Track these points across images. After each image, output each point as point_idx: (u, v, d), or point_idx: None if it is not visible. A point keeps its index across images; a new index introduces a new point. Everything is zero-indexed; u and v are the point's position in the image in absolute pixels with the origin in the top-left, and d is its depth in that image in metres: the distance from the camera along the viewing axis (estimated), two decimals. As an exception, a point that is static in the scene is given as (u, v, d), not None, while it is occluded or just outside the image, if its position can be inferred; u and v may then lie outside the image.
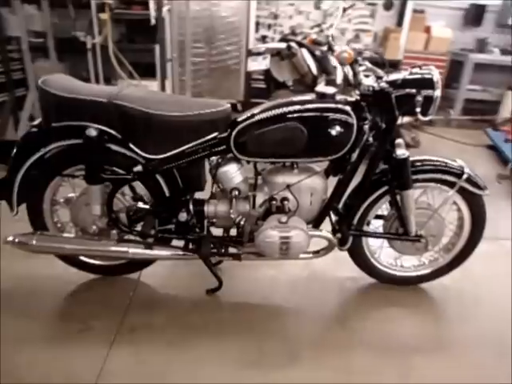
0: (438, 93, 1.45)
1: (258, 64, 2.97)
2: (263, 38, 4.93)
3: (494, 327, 1.70)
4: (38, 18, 3.06)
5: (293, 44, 2.93)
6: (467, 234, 1.76)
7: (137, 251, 1.58)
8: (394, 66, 4.91)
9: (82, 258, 1.77)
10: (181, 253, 1.62)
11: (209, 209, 1.61)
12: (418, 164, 1.63)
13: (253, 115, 1.49)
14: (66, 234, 1.68)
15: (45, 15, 3.02)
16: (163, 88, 3.18)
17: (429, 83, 1.46)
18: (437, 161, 1.65)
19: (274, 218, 1.49)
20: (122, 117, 1.42)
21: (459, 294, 1.89)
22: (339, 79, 3.35)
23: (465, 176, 1.61)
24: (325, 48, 1.72)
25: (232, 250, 1.67)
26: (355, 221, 1.71)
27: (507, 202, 2.89)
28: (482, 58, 4.82)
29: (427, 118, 1.49)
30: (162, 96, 1.52)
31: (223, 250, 1.64)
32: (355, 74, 1.48)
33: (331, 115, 1.45)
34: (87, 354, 1.47)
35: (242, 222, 1.56)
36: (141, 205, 1.63)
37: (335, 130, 1.45)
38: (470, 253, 1.80)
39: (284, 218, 1.46)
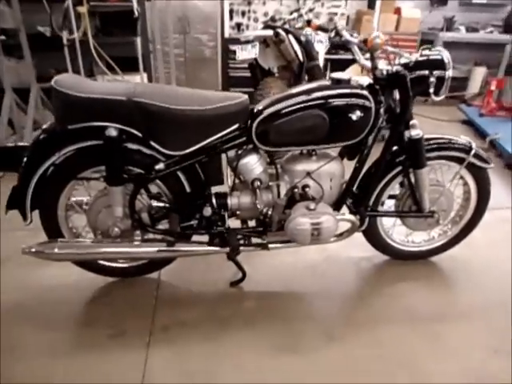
0: (449, 73, 1.50)
1: (248, 53, 2.94)
2: (238, 26, 4.87)
3: (506, 291, 1.81)
4: (8, 15, 2.88)
5: (280, 31, 2.92)
6: (473, 206, 1.86)
7: (163, 250, 1.56)
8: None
9: (101, 261, 1.73)
10: (207, 248, 1.62)
11: (232, 201, 1.61)
12: (429, 142, 1.69)
13: (273, 105, 1.49)
14: (85, 239, 1.63)
15: (15, 11, 2.85)
16: (150, 82, 3.09)
17: (440, 64, 1.51)
18: (445, 138, 1.72)
19: (301, 206, 1.52)
20: (142, 114, 1.38)
21: (467, 263, 1.99)
22: (321, 64, 3.40)
23: (473, 152, 1.69)
24: (332, 34, 1.73)
25: (255, 240, 1.69)
26: (371, 202, 1.76)
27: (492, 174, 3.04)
28: (451, 36, 4.99)
29: (439, 98, 1.54)
30: (179, 91, 1.48)
31: (249, 241, 1.64)
32: (373, 59, 1.50)
33: (351, 100, 1.48)
34: (125, 358, 1.45)
35: (269, 212, 1.57)
36: (163, 203, 1.61)
37: (355, 115, 1.49)
38: (476, 224, 1.90)
39: (312, 205, 1.48)
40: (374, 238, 1.90)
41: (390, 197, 1.86)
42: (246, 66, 4.90)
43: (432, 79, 1.50)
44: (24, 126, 3.13)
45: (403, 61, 1.53)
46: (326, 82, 1.57)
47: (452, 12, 5.32)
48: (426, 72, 1.50)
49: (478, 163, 1.72)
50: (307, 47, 3.18)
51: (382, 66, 1.53)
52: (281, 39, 2.92)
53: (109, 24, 3.28)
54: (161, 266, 1.81)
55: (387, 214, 1.80)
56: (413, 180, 1.72)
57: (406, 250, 1.98)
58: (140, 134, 1.42)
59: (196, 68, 4.86)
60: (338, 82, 1.55)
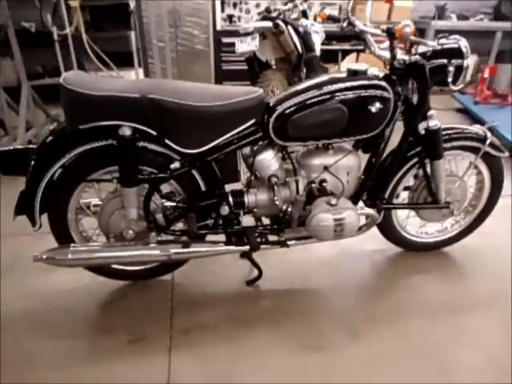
0: (467, 62, 1.48)
1: (248, 45, 2.87)
2: (230, 18, 4.78)
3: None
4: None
5: (280, 22, 2.86)
6: (487, 195, 1.86)
7: (180, 251, 1.51)
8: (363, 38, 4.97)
9: (113, 265, 1.67)
10: (224, 248, 1.57)
11: (249, 199, 1.57)
12: (445, 133, 1.67)
13: (290, 98, 1.45)
14: (97, 243, 1.57)
15: (3, 7, 2.72)
16: (147, 77, 3.00)
17: (458, 53, 1.48)
18: (460, 128, 1.70)
19: (321, 201, 1.48)
20: (158, 111, 1.32)
21: (479, 252, 2.00)
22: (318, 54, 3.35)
23: (488, 141, 1.68)
24: (345, 24, 1.69)
25: (272, 237, 1.65)
26: (386, 194, 1.74)
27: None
28: (443, 25, 4.99)
29: (458, 88, 1.52)
30: (192, 86, 1.42)
31: (267, 239, 1.61)
32: (393, 48, 1.47)
33: (371, 92, 1.44)
34: (148, 364, 1.41)
35: (289, 209, 1.54)
36: (177, 203, 1.56)
37: (375, 107, 1.45)
38: (489, 213, 1.91)
39: (334, 201, 1.45)
40: (389, 230, 1.88)
41: (405, 188, 1.84)
42: (239, 58, 4.86)
43: (451, 68, 1.47)
44: (16, 126, 3.02)
45: (420, 50, 1.50)
46: (343, 74, 1.53)
47: (443, 0, 5.32)
48: (445, 61, 1.47)
49: (493, 152, 1.72)
50: (305, 38, 3.13)
51: (400, 55, 1.50)
52: (280, 30, 2.87)
53: (100, 18, 3.17)
54: (174, 267, 1.76)
55: (403, 206, 1.78)
56: (429, 171, 1.70)
57: (419, 242, 1.97)
58: (154, 133, 1.37)
59: (188, 62, 4.76)
60: (354, 74, 1.51)
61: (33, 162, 1.41)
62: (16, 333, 1.53)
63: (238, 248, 1.58)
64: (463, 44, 1.49)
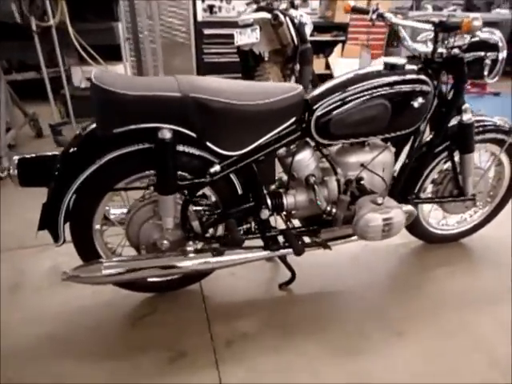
0: (503, 54, 1.48)
1: (248, 37, 2.77)
2: (210, 8, 4.61)
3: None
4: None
5: (279, 13, 2.78)
6: (506, 185, 1.90)
7: (223, 259, 1.42)
8: (344, 29, 5.00)
9: (141, 277, 1.55)
10: (265, 253, 1.50)
11: (288, 200, 1.50)
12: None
13: (331, 94, 1.39)
14: (130, 256, 1.45)
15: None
16: (140, 72, 2.83)
17: (494, 45, 1.48)
18: (487, 121, 1.71)
19: (366, 200, 1.44)
20: (200, 112, 1.22)
21: (496, 241, 2.04)
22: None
23: (514, 131, 1.70)
24: (374, 15, 1.64)
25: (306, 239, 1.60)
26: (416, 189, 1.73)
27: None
28: (420, 15, 5.07)
29: (493, 81, 1.52)
30: (229, 83, 1.32)
31: (304, 241, 1.55)
32: (437, 42, 1.43)
33: (414, 86, 1.41)
34: (196, 382, 1.32)
35: (333, 209, 1.48)
36: (211, 208, 1.47)
37: (417, 102, 1.42)
38: (507, 203, 1.95)
39: (380, 199, 1.41)
40: (414, 224, 1.88)
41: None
42: (222, 50, 4.73)
43: (487, 61, 1.47)
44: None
45: (457, 43, 1.48)
46: (379, 68, 1.48)
47: (419, -9, 5.43)
48: (482, 54, 1.46)
49: (517, 143, 1.74)
50: (300, 30, 3.07)
51: (441, 49, 1.47)
52: (280, 22, 2.79)
53: (81, 9, 2.94)
54: (202, 276, 1.66)
55: (434, 200, 1.78)
56: (457, 165, 1.71)
57: (440, 234, 1.99)
58: (194, 135, 1.26)
59: (169, 54, 4.56)
60: (392, 68, 1.47)
61: (57, 171, 1.26)
62: (39, 359, 1.38)
63: (281, 252, 1.51)
64: (499, 36, 1.48)
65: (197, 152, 1.33)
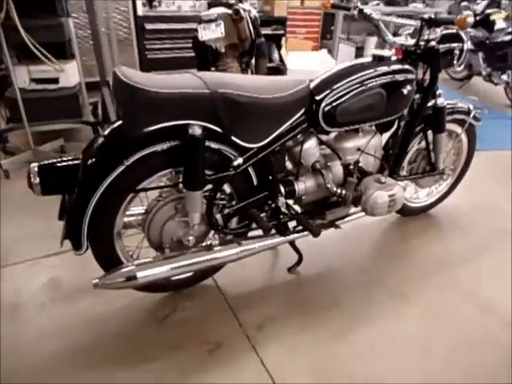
0: (467, 45, 1.71)
1: (212, 32, 2.76)
2: (150, 2, 4.47)
3: (503, 226, 2.21)
4: None
5: (240, 8, 2.82)
6: (464, 158, 2.19)
7: (249, 248, 1.48)
8: (282, 22, 5.16)
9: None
10: (288, 237, 1.59)
11: (299, 187, 1.60)
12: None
13: (336, 87, 1.50)
14: (159, 256, 1.43)
15: None
16: (102, 71, 2.67)
17: (459, 37, 1.70)
18: (453, 103, 1.95)
19: (370, 181, 1.59)
20: (229, 107, 1.25)
21: (456, 208, 2.35)
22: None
23: (472, 113, 1.97)
24: (355, 12, 1.77)
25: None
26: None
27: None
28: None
29: (461, 68, 1.75)
30: (250, 79, 1.37)
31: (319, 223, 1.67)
32: (420, 35, 1.61)
33: (404, 76, 1.58)
34: (241, 369, 1.37)
35: (343, 191, 1.60)
36: (231, 200, 1.51)
37: (406, 89, 1.60)
38: (465, 173, 2.25)
39: (383, 179, 1.57)
40: (394, 200, 2.09)
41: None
42: (165, 46, 4.62)
43: (456, 51, 1.69)
44: None
45: (431, 36, 1.68)
46: (370, 59, 1.63)
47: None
48: (453, 45, 1.68)
49: (474, 122, 2.02)
50: (255, 24, 3.16)
51: (411, 41, 1.66)
52: (241, 17, 2.84)
53: (25, 3, 2.70)
54: (215, 270, 1.69)
55: (415, 177, 1.99)
56: (430, 144, 1.94)
57: (413, 207, 2.23)
58: (220, 130, 1.29)
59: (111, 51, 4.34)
60: (380, 59, 1.62)
61: (81, 176, 1.22)
62: (74, 371, 1.33)
63: (296, 236, 1.60)
64: (462, 31, 1.71)
65: (220, 147, 1.36)
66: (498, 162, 2.98)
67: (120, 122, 1.27)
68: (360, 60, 1.66)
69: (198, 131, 1.23)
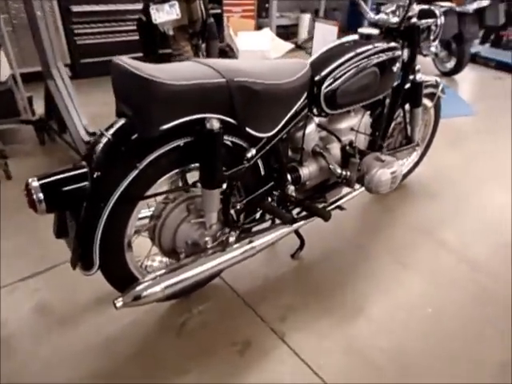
0: (441, 20, 1.78)
1: (167, 14, 2.55)
2: (73, -18, 4.02)
3: (471, 189, 2.40)
4: None
5: (193, -13, 2.64)
6: (431, 130, 2.32)
7: (266, 240, 1.44)
8: (218, 1, 4.98)
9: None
10: (300, 223, 1.58)
11: (304, 172, 1.57)
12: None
13: (335, 68, 1.48)
14: (178, 263, 1.32)
15: None
16: (45, 60, 2.34)
17: (433, 13, 1.76)
18: (424, 79, 2.04)
19: (371, 159, 1.62)
20: (244, 96, 1.17)
21: (426, 177, 2.50)
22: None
23: (440, 87, 2.08)
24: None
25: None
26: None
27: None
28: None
29: (435, 43, 1.82)
30: (257, 64, 1.27)
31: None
32: (407, 12, 1.62)
33: (393, 53, 1.60)
34: (278, 363, 1.34)
35: (348, 173, 1.61)
36: (241, 194, 1.44)
37: (395, 66, 1.63)
38: (431, 144, 2.39)
39: (383, 157, 1.60)
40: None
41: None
42: (98, 30, 4.23)
43: (433, 27, 1.75)
44: None
45: (411, 13, 1.71)
46: (356, 37, 1.63)
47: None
48: (430, 21, 1.74)
49: (441, 95, 2.14)
50: (205, 3, 3.02)
51: (393, 19, 1.69)
52: (194, -4, 2.67)
53: None
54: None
55: (395, 151, 2.06)
56: (407, 117, 2.01)
57: (389, 179, 2.33)
58: (235, 122, 1.21)
59: (31, 38, 3.85)
60: (368, 38, 1.63)
61: (90, 186, 1.06)
62: None
63: (307, 221, 1.59)
64: (433, 6, 1.78)
65: (232, 139, 1.28)
66: (444, 130, 3.22)
67: (123, 121, 1.13)
68: (347, 38, 1.65)
69: (216, 125, 1.13)
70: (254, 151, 1.32)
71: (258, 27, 5.45)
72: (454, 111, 3.48)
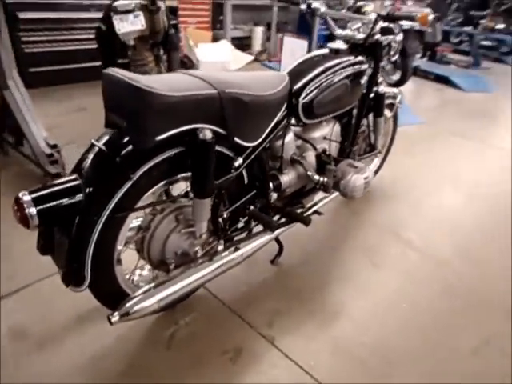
0: (400, 37, 1.93)
1: (131, 24, 2.50)
2: (20, -13, 3.82)
3: (427, 190, 2.59)
4: None
5: (157, -1, 2.63)
6: (390, 137, 2.49)
7: (252, 246, 1.47)
8: (174, 12, 4.98)
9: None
10: (282, 229, 1.62)
11: (284, 180, 1.62)
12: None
13: (310, 80, 1.56)
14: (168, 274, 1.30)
15: None
16: (1, 70, 2.19)
17: (391, 30, 1.91)
18: (385, 91, 2.19)
19: (344, 166, 1.71)
20: (234, 107, 1.21)
21: (386, 181, 2.67)
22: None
23: (399, 98, 2.25)
24: (303, 6, 1.82)
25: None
26: (348, 151, 2.11)
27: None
28: (237, 1, 5.53)
29: (395, 58, 1.97)
30: (244, 76, 1.30)
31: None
32: (373, 29, 1.74)
33: (362, 66, 1.72)
34: (270, 367, 1.36)
35: (325, 179, 1.68)
36: (228, 204, 1.46)
37: (363, 78, 1.75)
38: (390, 149, 2.56)
39: (356, 163, 1.70)
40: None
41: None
42: (48, 38, 4.05)
43: (393, 44, 1.90)
44: None
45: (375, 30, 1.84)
46: (326, 51, 1.73)
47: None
48: (390, 37, 1.88)
49: (399, 105, 2.31)
50: (167, 14, 3.03)
51: (358, 35, 1.81)
52: (158, 7, 2.66)
53: None
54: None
55: (365, 156, 2.18)
56: (371, 126, 2.15)
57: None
58: (224, 132, 1.24)
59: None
60: (337, 52, 1.74)
61: (84, 199, 1.04)
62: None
63: (291, 225, 1.64)
64: (392, 24, 1.93)
65: (221, 149, 1.30)
66: (398, 138, 3.46)
67: (114, 132, 1.12)
68: (318, 52, 1.75)
69: (209, 135, 1.15)
70: (241, 160, 1.36)
71: (214, 39, 5.50)
72: (405, 120, 3.74)
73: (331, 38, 2.00)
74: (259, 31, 6.13)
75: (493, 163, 3.19)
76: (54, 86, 3.97)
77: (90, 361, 1.34)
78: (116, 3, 2.52)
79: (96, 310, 1.51)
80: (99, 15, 3.02)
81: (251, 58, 5.16)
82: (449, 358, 1.45)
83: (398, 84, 4.85)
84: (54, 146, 2.36)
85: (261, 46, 6.23)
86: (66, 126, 3.08)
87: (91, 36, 3.32)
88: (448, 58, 6.55)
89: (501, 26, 7.25)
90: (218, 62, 3.81)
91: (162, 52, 3.20)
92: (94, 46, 3.15)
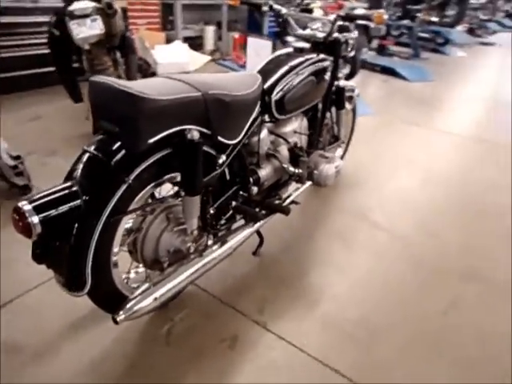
0: (355, 34, 2.08)
1: (90, 29, 2.45)
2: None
3: (387, 175, 2.78)
4: None
5: (113, 2, 2.58)
6: (350, 127, 2.66)
7: (240, 238, 1.54)
8: (125, 12, 4.89)
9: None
10: (264, 220, 1.71)
11: (262, 174, 1.71)
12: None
13: (280, 78, 1.65)
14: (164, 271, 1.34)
15: None
16: None
17: (348, 28, 2.06)
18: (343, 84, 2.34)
19: (316, 157, 1.83)
20: (217, 107, 1.27)
21: (349, 168, 2.84)
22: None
23: (356, 91, 2.41)
24: (266, 8, 1.90)
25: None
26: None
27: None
28: (187, 1, 5.51)
29: (352, 54, 2.12)
30: (223, 77, 1.37)
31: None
32: (333, 29, 1.86)
33: (325, 63, 1.84)
34: (267, 350, 1.45)
35: (300, 171, 1.78)
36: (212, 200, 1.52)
37: (326, 74, 1.87)
38: (351, 140, 2.73)
39: (327, 154, 1.83)
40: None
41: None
42: (21, 42, 3.86)
43: (351, 42, 2.04)
44: None
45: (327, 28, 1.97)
46: (291, 50, 1.84)
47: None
48: (348, 35, 2.02)
49: (357, 98, 2.48)
50: (123, 18, 3.01)
51: (322, 34, 1.94)
52: (115, 11, 2.63)
53: None
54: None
55: (329, 147, 2.32)
56: (334, 118, 2.30)
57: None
58: (209, 132, 1.30)
59: None
60: (301, 51, 1.85)
61: (83, 204, 1.06)
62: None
63: (268, 218, 1.73)
64: (348, 23, 2.07)
65: (204, 148, 1.36)
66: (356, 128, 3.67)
67: (104, 137, 1.15)
68: (284, 51, 1.85)
69: (196, 135, 1.21)
70: (224, 157, 1.43)
71: (166, 40, 5.45)
72: (360, 111, 3.96)
73: (280, 34, 2.11)
74: (211, 30, 6.15)
75: (441, 146, 3.48)
76: (5, 94, 3.78)
77: (88, 365, 1.36)
78: (71, 7, 2.46)
79: (87, 317, 1.53)
80: (46, 19, 2.93)
81: (208, 58, 5.19)
82: (424, 321, 1.62)
83: (348, 77, 5.09)
84: (17, 158, 2.28)
85: (213, 45, 6.26)
86: (24, 136, 2.97)
87: (39, 41, 3.21)
88: (391, 50, 6.95)
89: (435, 18, 7.81)
90: (176, 63, 3.82)
91: (118, 55, 3.16)
92: (44, 52, 3.05)
